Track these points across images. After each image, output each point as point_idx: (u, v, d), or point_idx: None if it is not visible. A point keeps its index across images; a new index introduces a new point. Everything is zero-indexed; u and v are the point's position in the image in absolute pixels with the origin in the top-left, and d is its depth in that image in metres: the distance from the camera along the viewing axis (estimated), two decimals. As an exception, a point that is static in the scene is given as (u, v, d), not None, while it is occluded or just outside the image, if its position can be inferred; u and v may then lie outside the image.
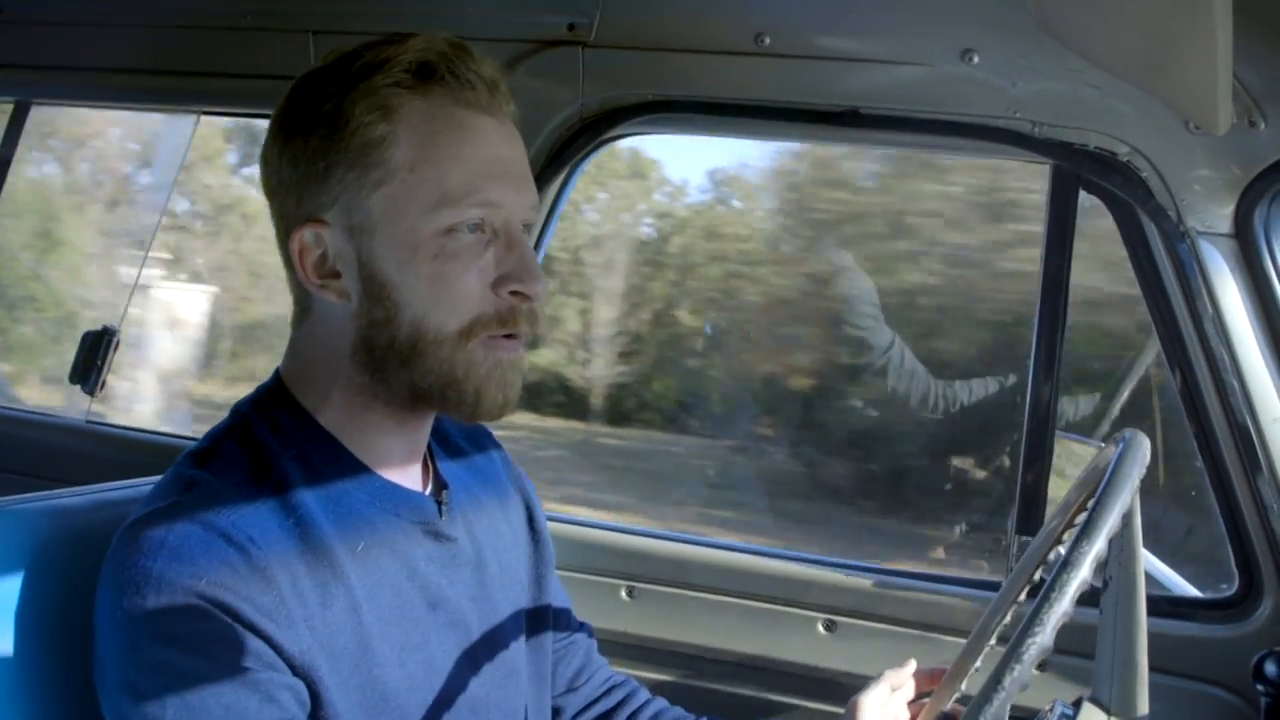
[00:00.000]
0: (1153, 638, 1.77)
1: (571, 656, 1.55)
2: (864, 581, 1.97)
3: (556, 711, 1.54)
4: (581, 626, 1.58)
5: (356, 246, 1.19)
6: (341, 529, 1.19)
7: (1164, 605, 1.84)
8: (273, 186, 1.23)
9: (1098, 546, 1.03)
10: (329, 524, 1.18)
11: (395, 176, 1.18)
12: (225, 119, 3.93)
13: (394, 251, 1.18)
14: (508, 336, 1.21)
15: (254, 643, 1.09)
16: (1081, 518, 1.44)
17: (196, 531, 1.10)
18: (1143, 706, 1.22)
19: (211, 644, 1.07)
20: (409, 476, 1.29)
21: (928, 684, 1.45)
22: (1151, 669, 1.77)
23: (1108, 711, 1.20)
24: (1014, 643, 1.00)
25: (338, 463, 1.23)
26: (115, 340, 2.59)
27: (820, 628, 1.96)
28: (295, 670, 1.12)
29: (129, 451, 2.54)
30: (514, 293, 1.20)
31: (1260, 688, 1.46)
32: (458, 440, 1.44)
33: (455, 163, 1.18)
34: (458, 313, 1.18)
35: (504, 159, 1.21)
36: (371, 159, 1.17)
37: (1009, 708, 0.99)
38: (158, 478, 1.24)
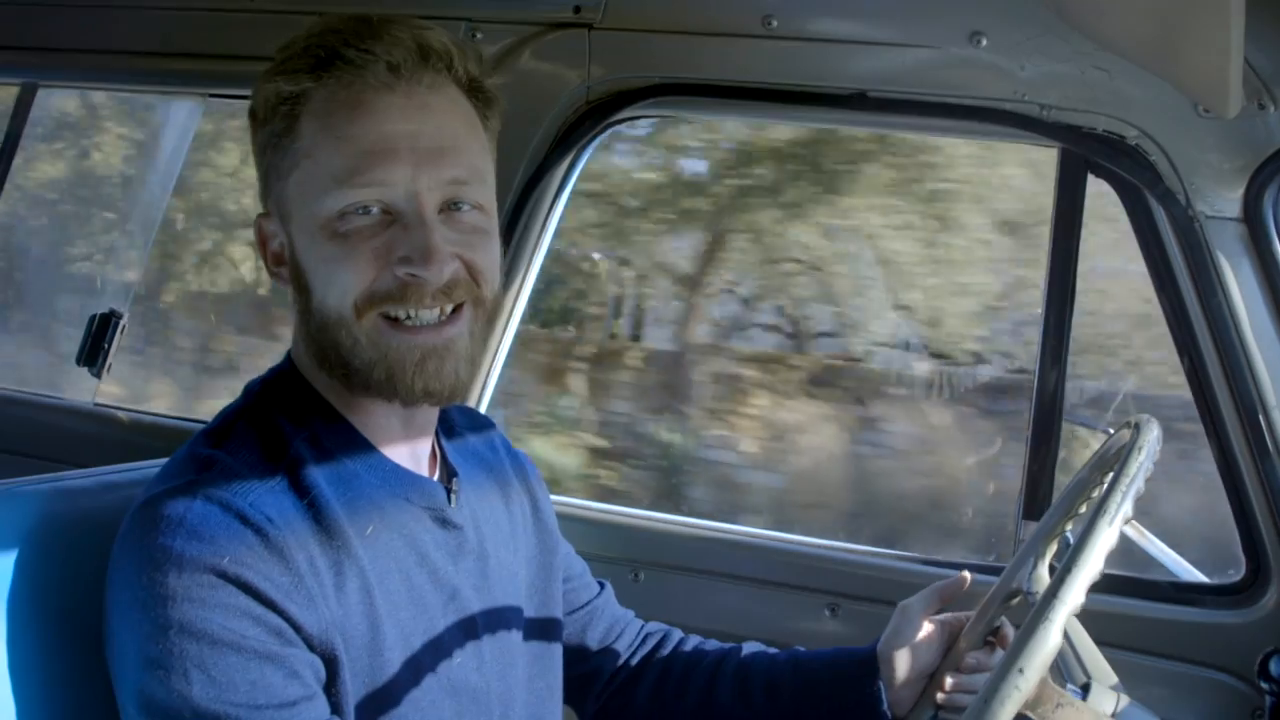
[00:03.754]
0: (1159, 624, 1.78)
1: (600, 616, 1.57)
2: (868, 565, 1.97)
3: (596, 672, 1.55)
4: (602, 586, 1.60)
5: (286, 233, 1.22)
6: (352, 511, 1.20)
7: (1170, 591, 1.83)
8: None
9: (1070, 605, 1.01)
10: (340, 506, 1.19)
11: (300, 164, 1.19)
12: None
13: (302, 236, 1.20)
14: (409, 321, 1.18)
15: (275, 620, 1.10)
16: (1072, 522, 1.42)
17: (215, 511, 1.11)
18: (1110, 675, 1.22)
19: (235, 620, 1.08)
20: (419, 462, 1.30)
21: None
22: (1158, 655, 1.77)
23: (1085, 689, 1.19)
24: (987, 688, 0.99)
25: (349, 445, 1.24)
26: (122, 324, 2.60)
27: (825, 611, 1.96)
28: (314, 647, 1.13)
29: (136, 434, 2.54)
30: (409, 273, 1.17)
31: (1265, 685, 1.43)
32: (462, 428, 1.44)
33: (342, 144, 1.16)
34: (350, 292, 1.17)
35: (400, 135, 1.17)
36: (282, 146, 1.19)
37: None
38: (164, 460, 1.24)
